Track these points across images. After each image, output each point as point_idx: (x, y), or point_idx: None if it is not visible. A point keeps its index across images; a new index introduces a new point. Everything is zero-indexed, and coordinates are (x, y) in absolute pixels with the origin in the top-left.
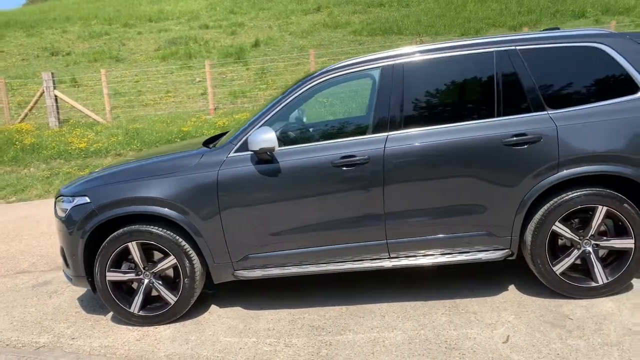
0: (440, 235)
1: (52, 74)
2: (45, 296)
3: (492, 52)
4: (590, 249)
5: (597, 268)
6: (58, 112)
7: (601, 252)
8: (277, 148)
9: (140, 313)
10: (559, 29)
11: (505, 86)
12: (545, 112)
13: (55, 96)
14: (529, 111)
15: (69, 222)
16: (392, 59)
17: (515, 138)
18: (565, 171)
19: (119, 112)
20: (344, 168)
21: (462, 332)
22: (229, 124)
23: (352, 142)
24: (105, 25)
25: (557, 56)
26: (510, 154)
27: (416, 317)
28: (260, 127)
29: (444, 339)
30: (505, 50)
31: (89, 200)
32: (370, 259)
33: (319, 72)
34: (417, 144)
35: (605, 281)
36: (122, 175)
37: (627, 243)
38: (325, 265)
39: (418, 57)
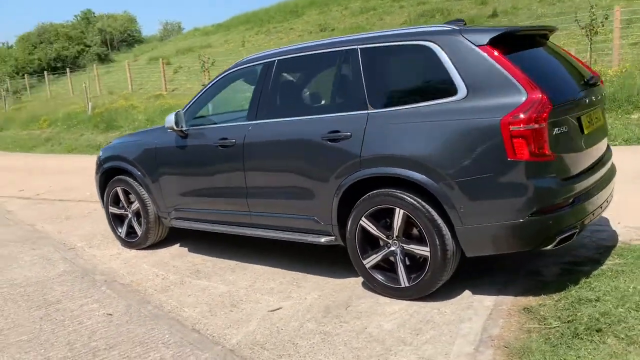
0: (284, 214)
1: None
2: None
3: (338, 51)
4: (397, 249)
5: (400, 270)
6: None
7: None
8: (175, 128)
9: (124, 238)
10: (462, 21)
11: (341, 84)
12: (365, 111)
13: None
14: (355, 109)
15: (96, 167)
16: (270, 57)
17: (329, 134)
18: (365, 170)
19: None
20: (220, 148)
21: (261, 297)
22: None
23: (230, 127)
24: (378, 0)
25: (390, 55)
26: (327, 148)
27: (256, 280)
28: (177, 111)
29: (241, 298)
30: (348, 49)
31: (101, 155)
32: (240, 226)
33: (227, 69)
34: (265, 132)
35: (407, 285)
36: (121, 139)
37: (423, 250)
38: (215, 225)
39: (287, 56)
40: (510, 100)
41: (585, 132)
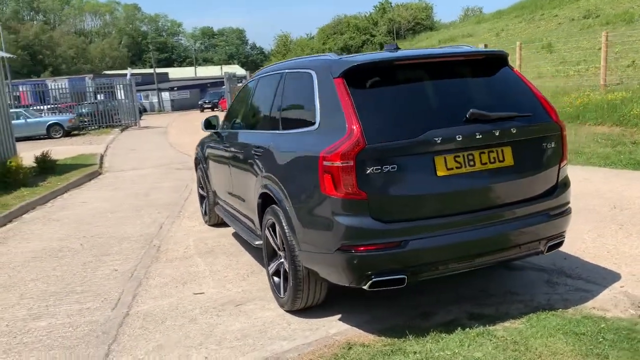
0: (248, 215)
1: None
2: None
3: (276, 75)
4: (284, 261)
5: (282, 281)
6: None
7: None
8: (203, 129)
9: (203, 215)
10: (395, 45)
11: (275, 104)
12: (277, 132)
13: None
14: (274, 129)
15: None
16: (260, 74)
17: (255, 148)
18: (263, 183)
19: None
20: (225, 150)
21: (210, 282)
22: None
23: (231, 133)
24: None
25: (295, 81)
26: (253, 161)
27: (229, 266)
28: (213, 115)
29: (197, 279)
30: (281, 73)
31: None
32: (232, 217)
33: (250, 78)
34: (237, 140)
35: (282, 296)
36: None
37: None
38: (224, 215)
39: (259, 76)
40: (333, 136)
41: (441, 173)
